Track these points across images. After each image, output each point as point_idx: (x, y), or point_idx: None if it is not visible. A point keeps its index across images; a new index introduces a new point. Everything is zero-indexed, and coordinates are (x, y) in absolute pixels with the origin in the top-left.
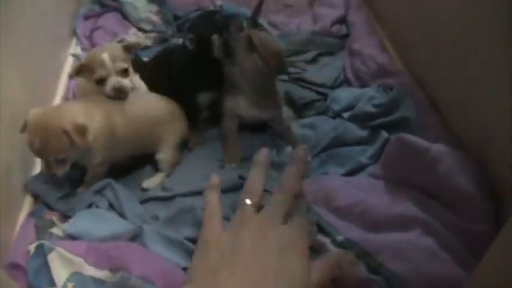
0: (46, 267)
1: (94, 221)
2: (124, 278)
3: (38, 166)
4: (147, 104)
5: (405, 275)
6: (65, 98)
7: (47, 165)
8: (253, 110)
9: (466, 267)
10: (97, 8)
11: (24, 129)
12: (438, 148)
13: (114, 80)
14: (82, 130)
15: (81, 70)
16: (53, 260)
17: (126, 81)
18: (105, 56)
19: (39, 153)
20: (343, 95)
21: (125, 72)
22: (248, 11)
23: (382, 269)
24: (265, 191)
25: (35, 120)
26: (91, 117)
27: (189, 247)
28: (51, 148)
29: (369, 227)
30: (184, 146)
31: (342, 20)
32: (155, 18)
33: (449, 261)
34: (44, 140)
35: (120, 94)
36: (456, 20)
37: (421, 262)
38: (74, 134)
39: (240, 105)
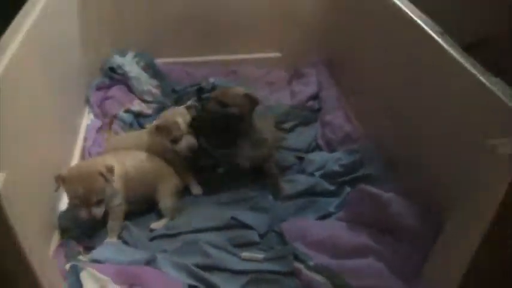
0: (78, 283)
1: (116, 250)
2: None
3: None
4: (148, 158)
5: None
6: (82, 158)
7: (87, 208)
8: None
9: (408, 283)
10: (107, 80)
11: (59, 187)
12: (389, 195)
13: (189, 139)
14: (111, 169)
15: (157, 130)
16: (85, 277)
17: (195, 141)
18: (180, 120)
19: (83, 198)
20: (316, 159)
21: (192, 133)
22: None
23: (345, 286)
24: None
25: (74, 173)
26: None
27: (193, 270)
28: (93, 190)
29: (334, 255)
30: (181, 195)
31: (315, 97)
32: (155, 91)
33: (396, 280)
34: (87, 185)
35: (190, 152)
36: (407, 94)
37: (374, 281)
38: (107, 174)
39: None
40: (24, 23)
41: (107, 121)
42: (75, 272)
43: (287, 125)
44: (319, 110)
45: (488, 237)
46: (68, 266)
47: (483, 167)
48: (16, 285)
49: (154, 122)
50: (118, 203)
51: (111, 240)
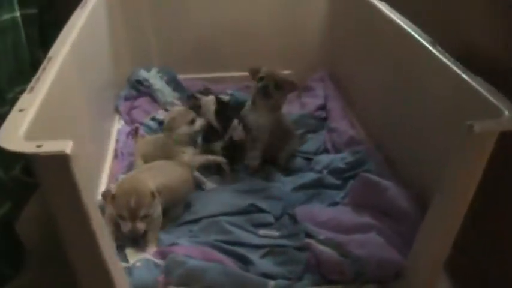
0: (123, 255)
1: None
2: (173, 256)
3: None
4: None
5: (364, 258)
6: (115, 156)
7: (133, 222)
8: None
9: (404, 255)
10: (134, 92)
11: (111, 199)
12: (386, 182)
13: (201, 120)
14: (159, 191)
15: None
16: (128, 252)
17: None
18: (184, 108)
19: (132, 211)
20: (323, 159)
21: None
22: None
23: (349, 254)
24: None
25: (125, 187)
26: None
27: (216, 244)
28: (144, 204)
29: (340, 232)
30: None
31: (322, 107)
32: (177, 102)
33: (393, 251)
34: (138, 198)
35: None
36: (402, 100)
37: (375, 250)
38: (156, 193)
39: None
40: (67, 39)
41: (134, 128)
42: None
43: (298, 132)
44: (325, 119)
45: (470, 213)
46: None
47: (463, 152)
48: (77, 234)
49: (165, 122)
50: (158, 215)
51: (151, 249)
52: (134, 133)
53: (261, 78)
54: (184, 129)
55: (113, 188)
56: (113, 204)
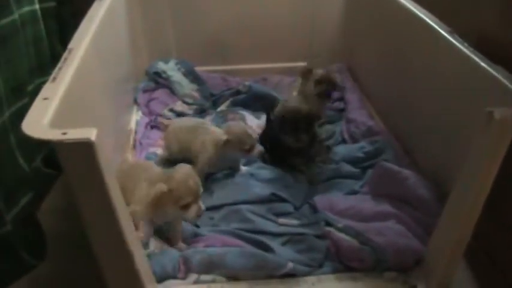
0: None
1: None
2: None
3: None
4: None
5: (384, 245)
6: (132, 147)
7: (197, 202)
8: None
9: (423, 243)
10: (152, 84)
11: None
12: (406, 171)
13: (259, 147)
14: None
15: (227, 143)
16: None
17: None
18: (250, 131)
19: (195, 192)
20: (341, 149)
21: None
22: (271, 90)
23: (369, 242)
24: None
25: (180, 177)
26: None
27: (234, 231)
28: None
29: (359, 220)
30: None
31: (340, 98)
32: (196, 94)
33: (413, 239)
34: (195, 179)
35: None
36: (419, 91)
37: (394, 238)
38: None
39: None
40: (88, 31)
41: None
42: None
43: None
44: (343, 110)
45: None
46: None
47: (482, 140)
48: (101, 220)
49: (223, 137)
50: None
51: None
52: (162, 126)
53: (319, 81)
54: (234, 155)
55: (164, 186)
56: (172, 199)
